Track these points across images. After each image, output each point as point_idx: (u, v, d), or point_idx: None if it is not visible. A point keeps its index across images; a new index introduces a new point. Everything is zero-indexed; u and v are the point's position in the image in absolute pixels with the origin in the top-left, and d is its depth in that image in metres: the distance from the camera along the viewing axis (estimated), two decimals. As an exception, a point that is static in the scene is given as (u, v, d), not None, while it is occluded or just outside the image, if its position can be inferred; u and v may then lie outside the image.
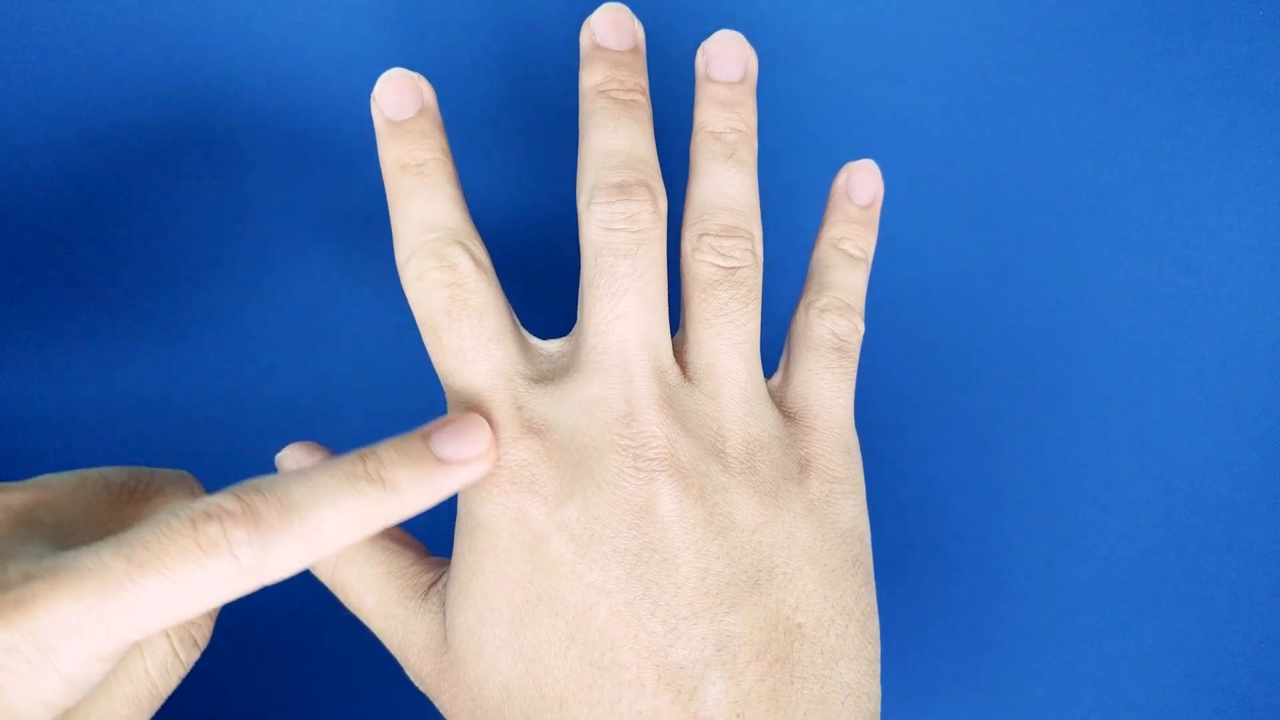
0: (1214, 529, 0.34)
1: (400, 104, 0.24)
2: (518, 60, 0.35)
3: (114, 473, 0.22)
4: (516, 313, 0.33)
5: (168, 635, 0.21)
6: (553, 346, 0.24)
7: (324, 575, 0.24)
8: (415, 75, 0.24)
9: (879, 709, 0.23)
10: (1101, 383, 0.34)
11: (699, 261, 0.23)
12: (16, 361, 0.33)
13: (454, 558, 0.23)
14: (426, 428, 0.21)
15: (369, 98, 0.28)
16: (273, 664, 0.33)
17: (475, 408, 0.22)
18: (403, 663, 0.24)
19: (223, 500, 0.19)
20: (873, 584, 0.24)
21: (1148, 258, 0.34)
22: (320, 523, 0.19)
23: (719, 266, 0.23)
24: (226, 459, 0.33)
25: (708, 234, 0.23)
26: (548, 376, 0.23)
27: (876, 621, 0.23)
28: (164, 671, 0.21)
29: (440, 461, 0.21)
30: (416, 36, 0.35)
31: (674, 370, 0.23)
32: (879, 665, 0.23)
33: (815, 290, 0.25)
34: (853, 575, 0.23)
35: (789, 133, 0.35)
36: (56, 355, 0.33)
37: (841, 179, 0.26)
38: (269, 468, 0.28)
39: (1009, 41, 0.34)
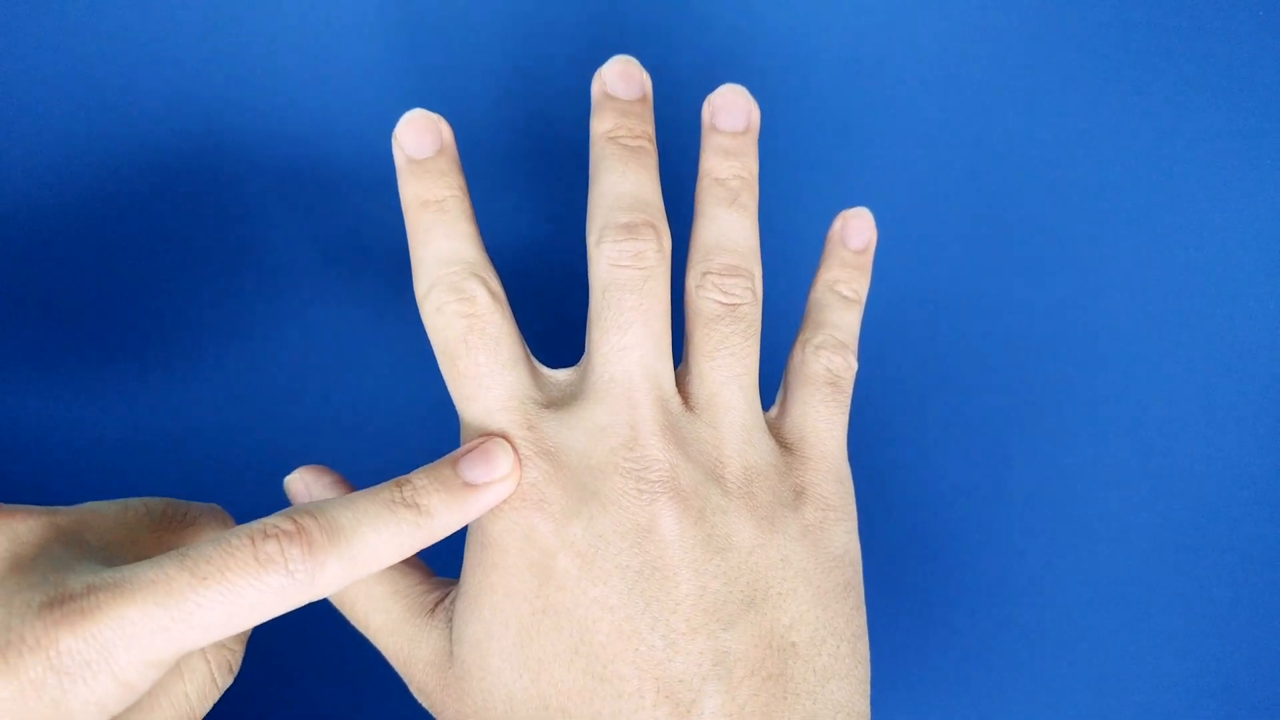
0: (1214, 529, 0.34)
1: (420, 143, 0.25)
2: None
3: (155, 502, 0.24)
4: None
5: (207, 660, 0.23)
6: (562, 375, 0.25)
7: (332, 596, 0.25)
8: (435, 116, 0.26)
9: None
10: (1101, 383, 0.34)
11: (702, 298, 0.25)
12: (24, 384, 0.34)
13: (463, 573, 0.24)
14: (455, 454, 0.23)
15: (387, 132, 0.29)
16: (274, 668, 0.34)
17: (489, 430, 0.24)
18: (407, 679, 0.25)
19: (279, 521, 0.21)
20: (863, 608, 0.25)
21: (1148, 258, 0.34)
22: (364, 544, 0.21)
23: (721, 303, 0.25)
24: (235, 482, 0.34)
25: (711, 272, 0.25)
26: (557, 403, 0.24)
27: (866, 644, 0.24)
28: (202, 695, 0.23)
29: (469, 485, 0.23)
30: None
31: (676, 400, 0.24)
32: (869, 686, 0.24)
33: (811, 328, 0.27)
34: (844, 598, 0.24)
35: (792, 155, 0.36)
36: (63, 379, 0.34)
37: (837, 225, 0.28)
38: (277, 489, 0.30)
39: (1009, 42, 0.35)
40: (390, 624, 0.25)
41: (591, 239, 0.25)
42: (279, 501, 0.25)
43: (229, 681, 0.23)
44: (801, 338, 0.26)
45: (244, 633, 0.23)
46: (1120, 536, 0.34)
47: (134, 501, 0.23)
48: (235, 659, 0.23)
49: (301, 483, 0.26)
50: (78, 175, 0.35)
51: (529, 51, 0.36)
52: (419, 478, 0.22)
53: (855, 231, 0.27)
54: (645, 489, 0.23)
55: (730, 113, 0.26)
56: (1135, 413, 0.34)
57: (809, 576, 0.23)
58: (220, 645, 0.23)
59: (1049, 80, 0.35)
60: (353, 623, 0.26)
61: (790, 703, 0.22)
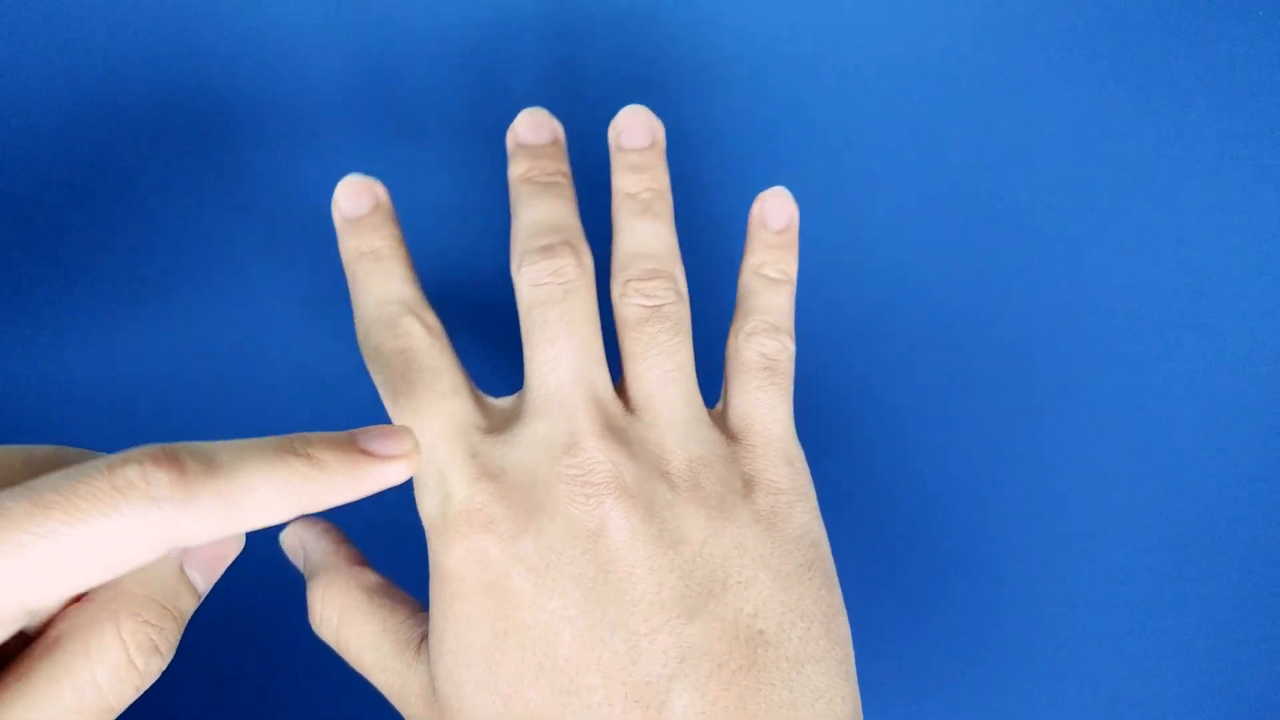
0: (1214, 529, 0.33)
1: (357, 204, 0.27)
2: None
3: (38, 449, 0.21)
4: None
5: (121, 639, 0.19)
6: (504, 402, 0.26)
7: (328, 637, 0.26)
8: (370, 179, 0.27)
9: (857, 710, 0.23)
10: (1101, 383, 0.34)
11: (626, 305, 0.25)
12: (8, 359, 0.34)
13: (430, 611, 0.24)
14: (353, 430, 0.21)
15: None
16: (273, 669, 0.34)
17: (433, 460, 0.24)
18: (403, 714, 0.25)
19: (146, 449, 0.18)
20: (835, 586, 0.24)
21: (1148, 258, 0.34)
22: (244, 485, 0.18)
23: (644, 306, 0.25)
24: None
25: (631, 279, 0.26)
26: (500, 427, 0.24)
27: (843, 623, 0.24)
28: (117, 681, 0.19)
29: (365, 452, 0.20)
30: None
31: (615, 404, 0.24)
32: (851, 666, 0.23)
33: (742, 316, 0.27)
34: (809, 579, 0.23)
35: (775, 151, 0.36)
36: (50, 347, 0.34)
37: (756, 208, 0.28)
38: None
39: (1009, 42, 0.35)
40: (381, 661, 0.25)
41: (514, 268, 0.26)
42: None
43: (158, 665, 0.19)
44: (734, 327, 0.27)
45: (168, 608, 0.20)
46: (1120, 536, 0.33)
47: (16, 448, 0.20)
48: (163, 638, 0.19)
49: (295, 538, 0.27)
50: (56, 141, 0.35)
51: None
52: (313, 435, 0.20)
53: (774, 211, 0.28)
54: (590, 493, 0.23)
55: (634, 131, 0.27)
56: (1135, 412, 0.34)
57: (767, 561, 0.23)
58: (139, 619, 0.19)
59: (1049, 80, 0.35)
60: (349, 663, 0.26)
61: (765, 693, 0.22)
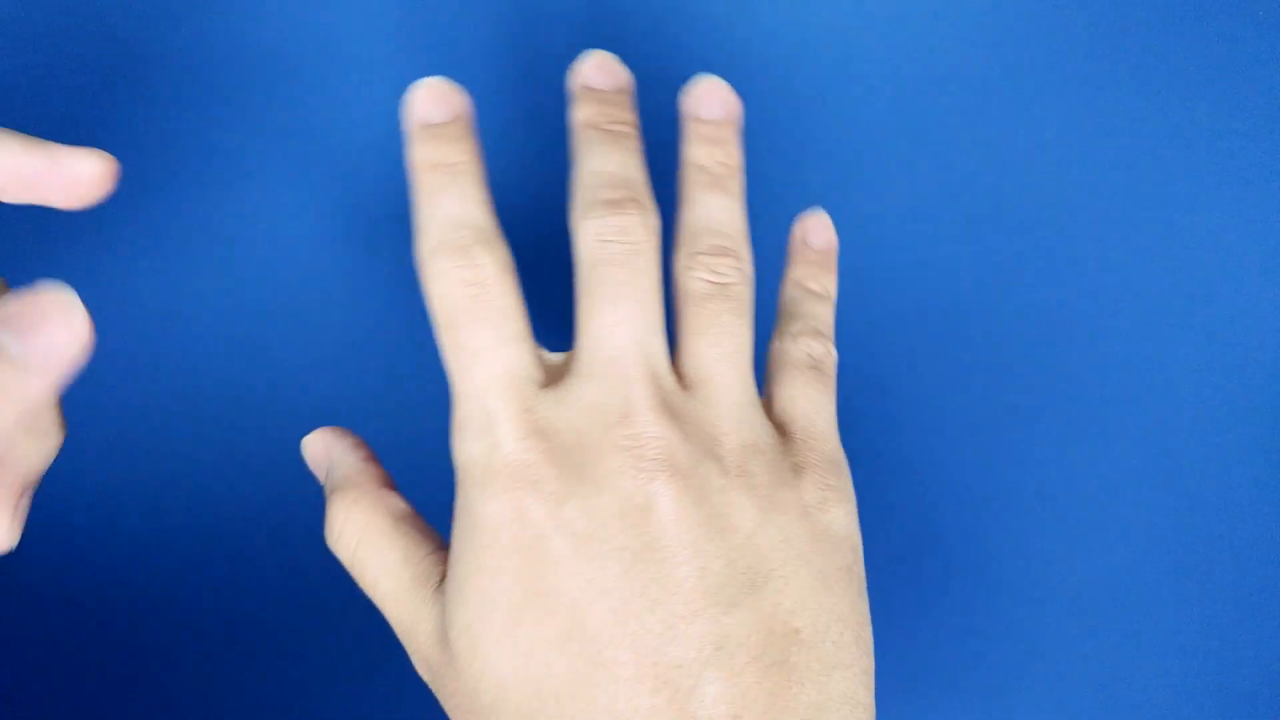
0: (1214, 529, 0.33)
1: (435, 109, 0.25)
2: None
3: None
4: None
5: None
6: (556, 358, 0.25)
7: (344, 555, 0.25)
8: (452, 85, 0.25)
9: None
10: (1101, 383, 0.34)
11: (691, 278, 0.25)
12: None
13: (452, 556, 0.23)
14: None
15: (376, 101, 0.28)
16: (275, 663, 0.32)
17: (483, 404, 0.23)
18: (411, 651, 0.24)
19: None
20: (866, 596, 0.24)
21: (1148, 258, 0.34)
22: None
23: (711, 281, 0.24)
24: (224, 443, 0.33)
25: (699, 252, 0.25)
26: (552, 383, 0.24)
27: (870, 634, 0.23)
28: None
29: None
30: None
31: (671, 378, 0.24)
32: (872, 678, 0.23)
33: (788, 320, 0.26)
34: (847, 584, 0.23)
35: (785, 150, 0.36)
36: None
37: (798, 229, 0.28)
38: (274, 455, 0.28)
39: (1009, 41, 0.35)
40: (397, 592, 0.24)
41: (575, 216, 0.24)
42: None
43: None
44: (779, 330, 0.26)
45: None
46: (1120, 536, 0.34)
47: None
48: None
49: (321, 443, 0.26)
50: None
51: (524, 47, 0.36)
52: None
53: (815, 231, 0.28)
54: (643, 467, 0.22)
55: (711, 101, 0.26)
56: (1135, 412, 0.34)
57: (810, 559, 0.23)
58: None
59: (1049, 80, 0.35)
60: (361, 586, 0.25)
61: (795, 691, 0.21)
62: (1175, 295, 0.34)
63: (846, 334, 0.35)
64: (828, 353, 0.26)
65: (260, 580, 0.33)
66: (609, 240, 0.24)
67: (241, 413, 0.34)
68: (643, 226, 0.24)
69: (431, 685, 0.24)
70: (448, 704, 0.23)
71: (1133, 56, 0.35)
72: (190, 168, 0.35)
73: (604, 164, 0.25)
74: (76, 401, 0.34)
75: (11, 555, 0.33)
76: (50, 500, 0.34)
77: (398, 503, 0.25)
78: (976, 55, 0.36)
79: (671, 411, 0.23)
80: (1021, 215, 0.35)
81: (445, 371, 0.24)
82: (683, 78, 0.36)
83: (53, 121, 0.35)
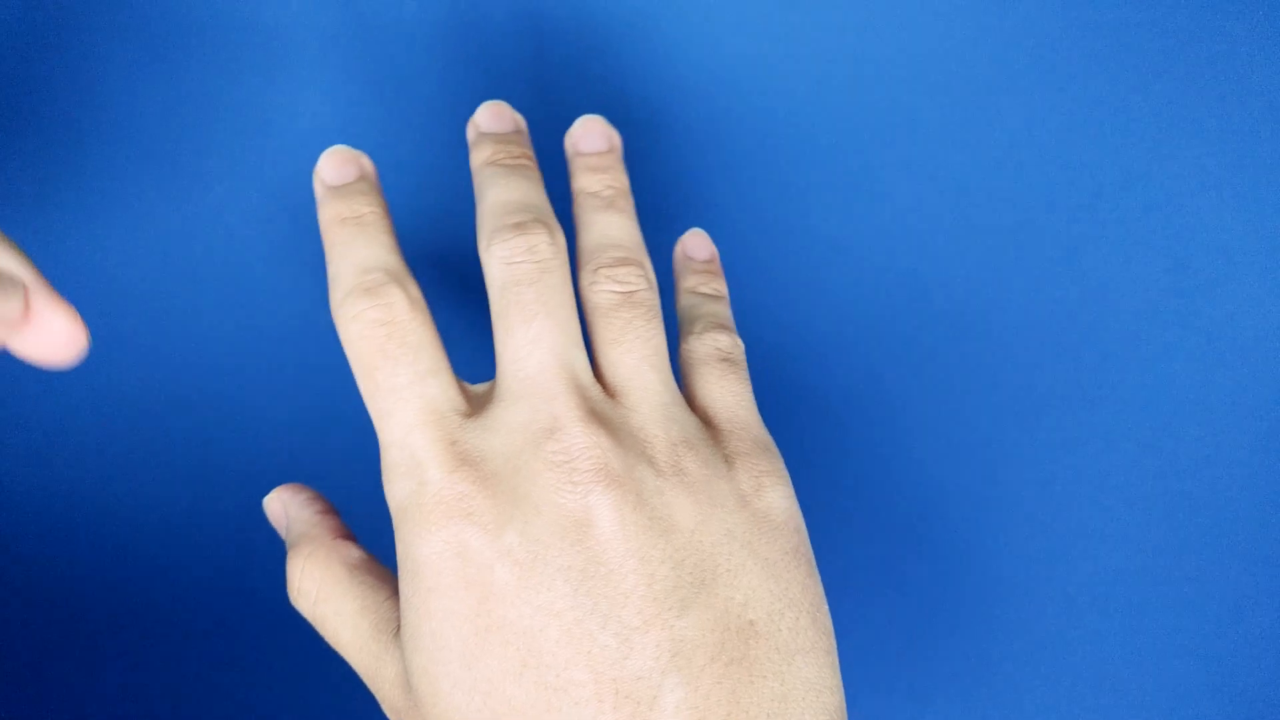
0: (1214, 529, 0.34)
1: (341, 172, 0.26)
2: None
3: None
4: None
5: None
6: (479, 388, 0.25)
7: (305, 610, 0.25)
8: (356, 151, 0.26)
9: (843, 702, 0.23)
10: (1101, 383, 0.34)
11: (597, 292, 0.25)
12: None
13: (402, 604, 0.23)
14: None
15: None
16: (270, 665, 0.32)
17: (406, 445, 0.23)
18: (378, 698, 0.24)
19: None
20: (817, 575, 0.24)
21: (1148, 258, 0.34)
22: None
23: (616, 292, 0.25)
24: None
25: (601, 266, 0.25)
26: (476, 413, 0.23)
27: (827, 612, 0.23)
28: None
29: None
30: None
31: (596, 388, 0.24)
32: (836, 657, 0.23)
33: (689, 323, 0.27)
34: (795, 566, 0.23)
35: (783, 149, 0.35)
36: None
37: (678, 249, 0.29)
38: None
39: (1009, 41, 0.35)
40: (358, 641, 0.24)
41: (482, 246, 0.24)
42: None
43: None
44: (683, 333, 0.27)
45: None
46: (1120, 536, 0.34)
47: None
48: None
49: (279, 503, 0.26)
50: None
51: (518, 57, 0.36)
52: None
53: (695, 247, 0.29)
54: (577, 480, 0.22)
55: (591, 136, 0.27)
56: (1135, 412, 0.34)
57: (755, 548, 0.23)
58: None
59: (1049, 80, 0.35)
60: (325, 639, 0.25)
61: (758, 685, 0.21)
62: (1175, 295, 0.34)
63: (847, 334, 0.35)
64: (734, 344, 0.26)
65: (257, 579, 0.33)
66: (516, 261, 0.24)
67: (238, 412, 0.34)
68: (549, 244, 0.24)
69: None
70: None
71: (1133, 56, 0.35)
72: (186, 169, 0.35)
73: (506, 194, 0.25)
74: (73, 400, 0.33)
75: (11, 554, 0.33)
76: (48, 499, 0.33)
77: (352, 551, 0.25)
78: (976, 55, 0.36)
79: (600, 420, 0.23)
80: (1021, 215, 0.35)
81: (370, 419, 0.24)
82: (675, 82, 0.36)
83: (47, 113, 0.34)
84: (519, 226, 0.24)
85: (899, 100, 0.35)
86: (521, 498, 0.22)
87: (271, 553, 0.34)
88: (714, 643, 0.21)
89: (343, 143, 0.35)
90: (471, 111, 0.35)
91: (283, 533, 0.27)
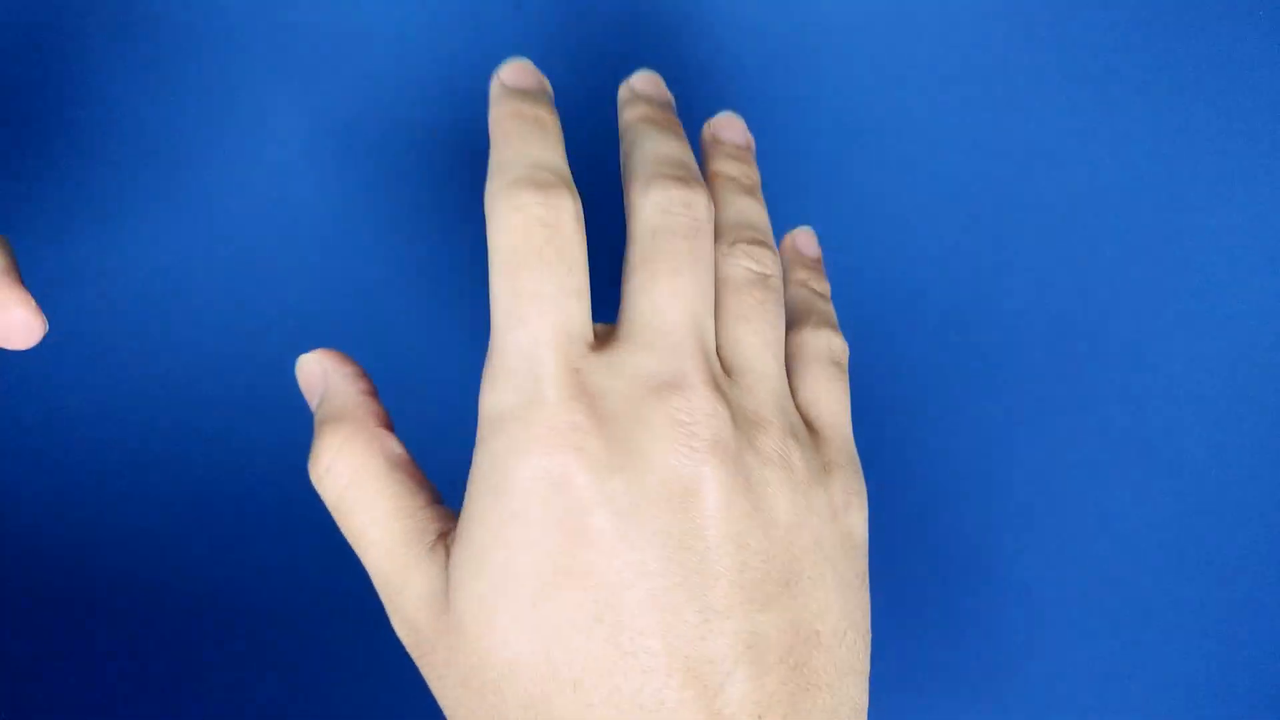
0: (1214, 529, 0.34)
1: (524, 79, 0.24)
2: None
3: None
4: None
5: None
6: (601, 327, 0.23)
7: (329, 494, 0.22)
8: (540, 73, 0.25)
9: None
10: (1101, 383, 0.34)
11: (733, 265, 0.24)
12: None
13: (467, 519, 0.21)
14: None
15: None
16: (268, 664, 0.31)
17: (531, 355, 0.21)
18: (394, 610, 0.22)
19: None
20: (869, 607, 0.24)
21: (1148, 258, 0.34)
22: None
23: (754, 270, 0.24)
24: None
25: (740, 241, 0.24)
26: (601, 348, 0.22)
27: (869, 645, 0.24)
28: None
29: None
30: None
31: (717, 361, 0.23)
32: (867, 686, 0.23)
33: (803, 314, 0.26)
34: (862, 590, 0.23)
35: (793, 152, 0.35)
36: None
37: (788, 240, 0.29)
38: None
39: (1008, 41, 0.35)
40: (387, 543, 0.22)
41: (637, 188, 0.23)
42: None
43: None
44: (795, 324, 0.26)
45: None
46: (1121, 536, 0.34)
47: None
48: None
49: (319, 366, 0.24)
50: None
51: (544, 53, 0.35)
52: None
53: (805, 244, 0.29)
54: (695, 446, 0.21)
55: (731, 130, 0.27)
56: (1135, 412, 0.34)
57: (835, 563, 0.22)
58: None
59: (1049, 80, 0.35)
60: (346, 535, 0.22)
61: (813, 695, 0.21)
62: (1175, 295, 0.34)
63: (847, 334, 0.34)
64: (845, 350, 0.26)
65: (254, 572, 0.32)
66: (674, 212, 0.23)
67: (237, 412, 0.33)
68: (707, 207, 0.23)
69: (412, 649, 0.22)
70: (433, 671, 0.22)
71: (1133, 56, 0.35)
72: (184, 169, 0.33)
73: (665, 148, 0.24)
74: (71, 399, 0.32)
75: (9, 554, 0.32)
76: (47, 498, 0.32)
77: (395, 447, 0.23)
78: (976, 55, 0.36)
79: (723, 390, 0.22)
80: (1021, 215, 0.35)
81: (490, 316, 0.22)
82: (674, 82, 0.36)
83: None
84: (681, 180, 0.23)
85: (899, 100, 0.35)
86: (635, 447, 0.21)
87: (271, 552, 0.32)
88: (785, 644, 0.21)
89: (336, 148, 0.34)
90: (463, 127, 0.34)
91: (312, 401, 0.24)
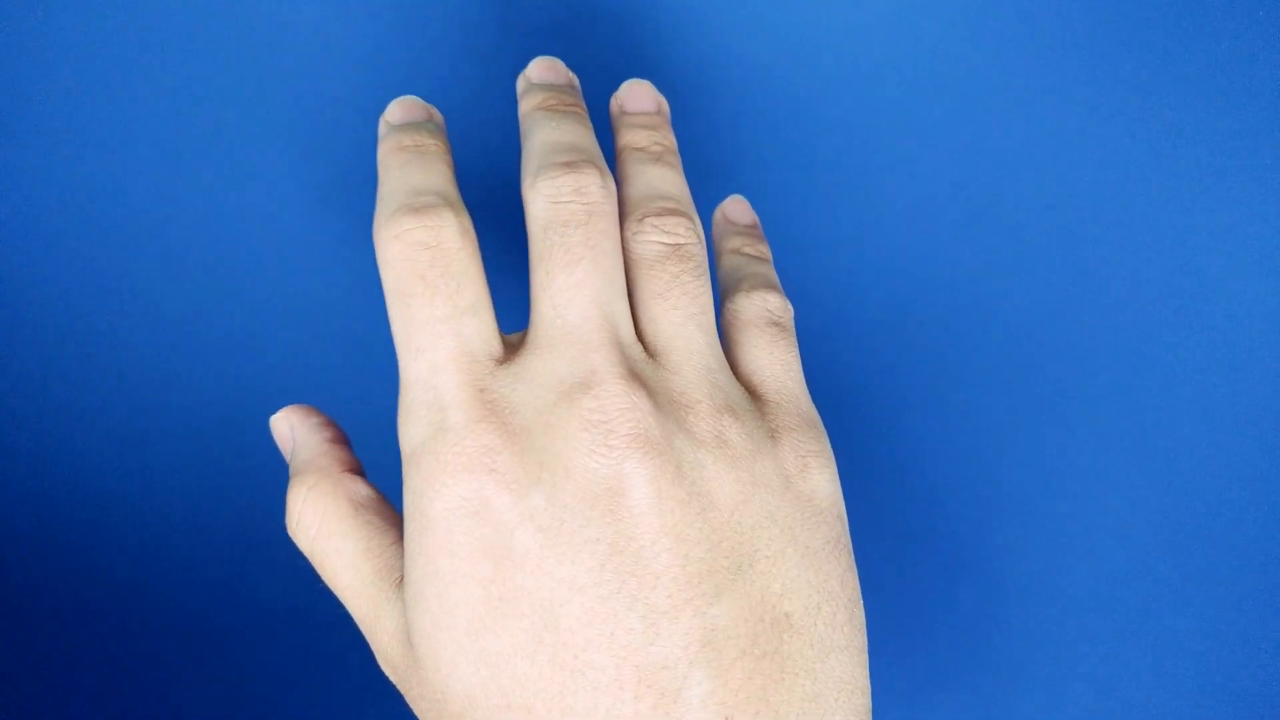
0: (1214, 529, 0.33)
1: (407, 114, 0.24)
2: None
3: None
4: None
5: None
6: (515, 337, 0.23)
7: (304, 544, 0.23)
8: (428, 104, 0.25)
9: (870, 703, 0.21)
10: (1101, 383, 0.34)
11: (642, 242, 0.23)
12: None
13: (407, 556, 0.21)
14: None
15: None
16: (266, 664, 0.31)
17: (433, 384, 0.20)
18: (374, 648, 0.22)
19: None
20: (855, 569, 0.22)
21: (1148, 258, 0.34)
22: None
23: (664, 243, 0.23)
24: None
25: (648, 215, 0.23)
26: (510, 360, 0.21)
27: (862, 609, 0.22)
28: None
29: None
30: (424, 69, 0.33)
31: (637, 346, 0.22)
32: (867, 656, 0.22)
33: (736, 281, 0.25)
34: (835, 558, 0.21)
35: (793, 143, 0.35)
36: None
37: (718, 215, 0.27)
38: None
39: (1008, 41, 0.34)
40: (358, 585, 0.22)
41: (526, 183, 0.22)
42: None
43: None
44: (729, 292, 0.25)
45: None
46: (1121, 536, 0.33)
47: None
48: None
49: (286, 424, 0.25)
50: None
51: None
52: None
53: (736, 212, 0.27)
54: (614, 444, 0.20)
55: (639, 98, 0.26)
56: (1135, 412, 0.34)
57: (796, 535, 0.21)
58: None
59: (1049, 80, 0.34)
60: (322, 578, 0.23)
61: (789, 683, 0.20)
62: (1175, 295, 0.34)
63: (848, 333, 0.34)
64: (785, 307, 0.24)
65: (252, 573, 0.33)
66: (564, 200, 0.22)
67: (237, 410, 0.33)
68: (600, 187, 0.22)
69: (396, 683, 0.22)
70: (415, 705, 0.21)
71: (1133, 56, 0.34)
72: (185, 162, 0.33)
73: (555, 134, 0.23)
74: (71, 398, 0.33)
75: (9, 554, 0.33)
76: (45, 492, 0.33)
77: (360, 487, 0.23)
78: (976, 54, 0.35)
79: (640, 380, 0.21)
80: (1021, 215, 0.34)
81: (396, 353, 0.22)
82: (674, 82, 0.35)
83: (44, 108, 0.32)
84: (569, 165, 0.22)
85: (899, 100, 0.34)
86: (551, 457, 0.20)
87: (270, 550, 0.33)
88: (747, 634, 0.20)
89: (338, 149, 0.34)
90: (478, 119, 0.34)
91: (287, 455, 0.25)
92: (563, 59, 0.33)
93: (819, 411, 0.33)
